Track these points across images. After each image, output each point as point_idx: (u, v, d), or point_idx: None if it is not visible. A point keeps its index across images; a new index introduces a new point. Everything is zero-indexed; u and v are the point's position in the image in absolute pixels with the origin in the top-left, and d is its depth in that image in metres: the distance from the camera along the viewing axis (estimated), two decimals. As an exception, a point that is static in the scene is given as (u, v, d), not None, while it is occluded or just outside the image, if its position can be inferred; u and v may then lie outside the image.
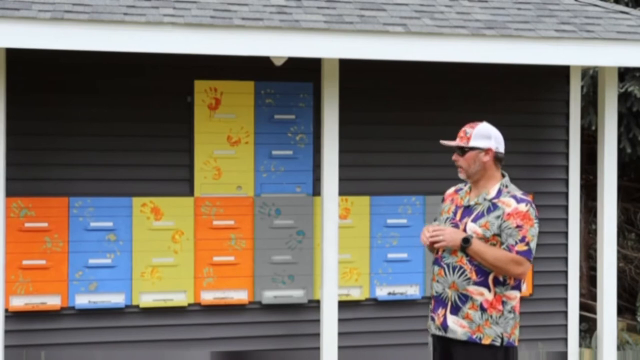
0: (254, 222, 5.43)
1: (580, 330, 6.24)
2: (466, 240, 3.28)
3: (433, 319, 3.45)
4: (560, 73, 5.83)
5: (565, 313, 5.86)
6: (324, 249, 5.03)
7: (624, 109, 7.07)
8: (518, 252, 3.26)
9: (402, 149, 5.63)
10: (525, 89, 5.84)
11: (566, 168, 5.87)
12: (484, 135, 3.37)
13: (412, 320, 5.62)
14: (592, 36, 5.03)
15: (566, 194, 5.87)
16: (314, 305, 5.44)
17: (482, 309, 3.31)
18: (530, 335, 5.80)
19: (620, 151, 6.98)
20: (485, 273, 3.30)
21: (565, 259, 5.88)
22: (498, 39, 4.89)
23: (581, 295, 6.69)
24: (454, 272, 3.34)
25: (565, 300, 5.86)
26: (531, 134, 5.87)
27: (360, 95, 5.57)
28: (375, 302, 5.61)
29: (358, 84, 5.52)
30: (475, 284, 3.31)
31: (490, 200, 3.36)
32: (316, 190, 5.48)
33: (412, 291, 5.64)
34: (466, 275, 3.32)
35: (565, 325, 5.85)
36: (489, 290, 3.31)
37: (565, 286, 5.87)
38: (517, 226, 3.27)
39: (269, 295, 5.44)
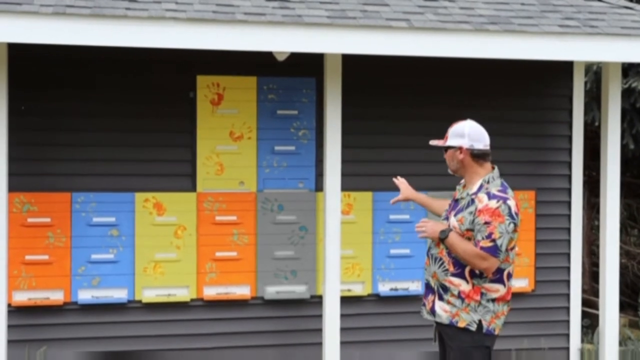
0: (257, 218, 5.43)
1: (583, 326, 6.24)
2: (442, 233, 3.49)
3: (424, 305, 3.66)
4: (564, 69, 5.82)
5: (568, 309, 5.86)
6: (326, 244, 5.03)
7: (628, 105, 7.05)
8: (482, 248, 3.40)
9: (405, 144, 5.63)
10: (528, 84, 5.83)
11: (569, 164, 5.86)
12: (458, 134, 3.57)
13: (414, 316, 5.62)
14: (596, 31, 5.01)
15: (569, 190, 5.86)
16: (317, 301, 5.45)
17: (460, 298, 3.50)
18: (533, 331, 5.80)
19: (624, 147, 6.96)
20: (462, 265, 3.48)
21: (568, 255, 5.87)
22: (501, 35, 4.88)
23: (583, 291, 6.69)
24: (435, 262, 3.56)
25: (568, 296, 5.86)
26: (534, 130, 5.86)
27: (363, 90, 5.56)
28: (377, 298, 5.61)
29: (361, 80, 5.51)
30: (453, 275, 3.50)
31: (470, 195, 3.54)
32: (319, 186, 5.48)
33: (415, 287, 5.63)
34: (445, 266, 3.52)
35: (568, 321, 5.85)
36: (467, 282, 3.48)
37: (568, 282, 5.86)
38: (485, 222, 3.41)
39: (272, 291, 5.44)
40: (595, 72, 7.16)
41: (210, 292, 5.37)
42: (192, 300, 5.37)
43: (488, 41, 4.87)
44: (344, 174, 5.14)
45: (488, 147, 3.60)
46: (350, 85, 5.31)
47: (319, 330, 5.29)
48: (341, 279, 5.23)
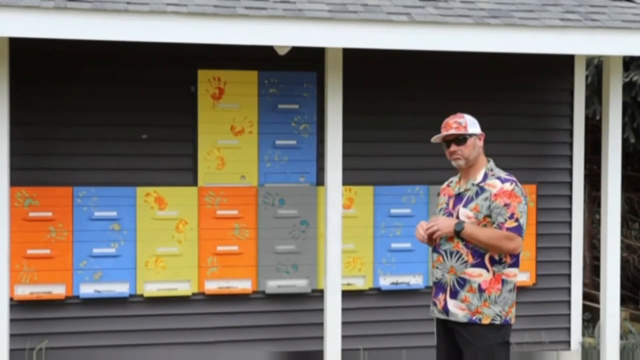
0: (258, 212, 5.43)
1: (583, 320, 6.24)
2: (459, 225, 3.45)
3: (435, 304, 3.60)
4: (565, 62, 5.81)
5: (569, 302, 5.87)
6: (327, 238, 5.04)
7: (629, 98, 7.04)
8: (508, 229, 3.42)
9: (406, 138, 5.63)
10: (529, 78, 5.82)
11: (570, 158, 5.86)
12: (474, 123, 3.59)
13: (415, 310, 5.63)
14: (597, 25, 5.00)
15: (570, 184, 5.86)
16: (318, 295, 5.45)
17: (480, 291, 3.46)
18: (534, 325, 5.81)
19: (625, 141, 6.95)
20: (481, 255, 3.46)
21: (569, 249, 5.88)
22: (502, 28, 4.87)
23: (584, 284, 6.69)
24: (451, 257, 3.51)
25: (569, 289, 5.87)
26: (535, 124, 5.85)
27: (364, 84, 5.56)
28: (378, 292, 5.62)
29: (362, 74, 5.51)
30: (473, 266, 3.47)
31: (477, 185, 3.54)
32: (320, 180, 5.48)
33: (416, 281, 5.64)
34: (463, 258, 3.48)
35: (569, 315, 5.86)
36: (487, 270, 3.46)
37: (569, 276, 5.87)
38: (505, 204, 3.43)
39: (273, 285, 5.45)
40: (596, 66, 7.15)
41: (212, 286, 5.38)
42: (193, 294, 5.38)
43: (489, 35, 4.87)
44: (345, 168, 5.14)
45: None
46: (351, 80, 5.31)
47: (320, 325, 5.30)
48: (342, 273, 5.24)
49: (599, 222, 6.39)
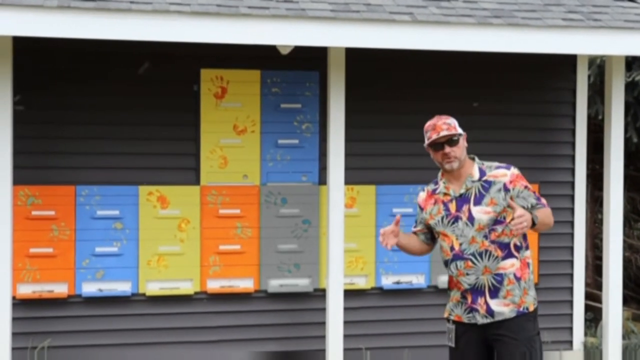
0: (260, 211, 5.44)
1: (586, 320, 6.24)
2: (535, 217, 3.36)
3: (476, 310, 3.43)
4: (567, 62, 5.81)
5: (571, 302, 5.87)
6: (329, 237, 5.04)
7: (631, 98, 7.04)
8: (545, 205, 3.46)
9: (408, 138, 5.62)
10: (532, 78, 5.82)
11: (572, 157, 5.86)
12: (456, 124, 3.49)
13: (417, 309, 5.64)
14: (600, 25, 5.00)
15: (572, 183, 5.86)
16: (320, 294, 5.46)
17: (517, 279, 3.42)
18: (536, 325, 5.80)
19: (627, 140, 6.95)
20: (506, 245, 3.42)
21: (571, 248, 5.88)
22: (505, 28, 4.87)
23: (587, 284, 6.69)
24: (482, 258, 3.41)
25: (571, 289, 5.87)
26: (538, 123, 5.85)
27: (367, 84, 5.56)
28: (380, 291, 5.62)
29: (364, 73, 5.51)
30: (503, 258, 3.42)
31: (479, 181, 3.45)
32: (322, 179, 5.48)
33: (418, 280, 5.64)
34: (493, 255, 3.41)
35: (571, 315, 5.86)
36: (516, 258, 3.44)
37: (571, 275, 5.87)
38: (525, 187, 3.44)
39: (275, 284, 5.46)
40: (598, 66, 7.15)
41: (214, 285, 5.39)
42: (195, 293, 5.38)
43: (491, 35, 4.87)
44: (347, 168, 5.14)
45: None
46: (354, 79, 5.31)
47: (322, 324, 5.31)
48: (344, 272, 5.24)
49: (601, 221, 6.40)
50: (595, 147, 7.41)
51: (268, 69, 5.44)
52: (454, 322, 3.52)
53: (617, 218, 5.40)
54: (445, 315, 3.58)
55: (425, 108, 5.63)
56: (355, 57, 5.19)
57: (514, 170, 3.46)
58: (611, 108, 5.41)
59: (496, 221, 3.40)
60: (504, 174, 3.43)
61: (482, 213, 3.39)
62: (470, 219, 3.40)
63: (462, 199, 3.45)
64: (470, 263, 3.41)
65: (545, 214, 3.42)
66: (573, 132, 5.86)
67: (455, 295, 3.51)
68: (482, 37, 4.85)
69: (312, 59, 5.33)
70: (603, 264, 5.49)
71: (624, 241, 7.40)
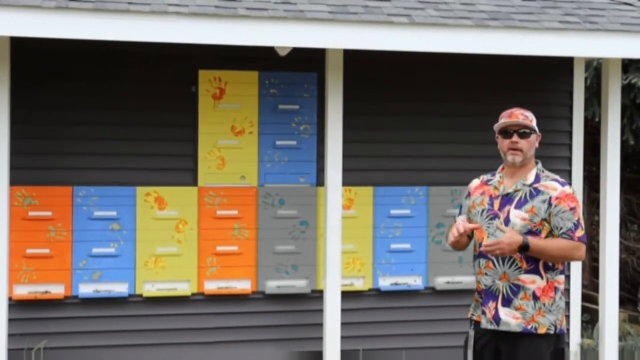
0: (258, 213, 5.44)
1: (583, 322, 6.25)
2: (524, 247, 3.22)
3: (485, 313, 3.38)
4: (564, 64, 5.82)
5: (568, 304, 5.87)
6: (327, 239, 5.04)
7: (628, 101, 7.06)
8: (579, 238, 3.27)
9: (406, 139, 5.64)
10: (529, 80, 5.84)
11: (569, 159, 5.87)
12: (535, 121, 3.42)
13: (415, 311, 5.64)
14: (596, 28, 5.02)
15: (569, 186, 5.86)
16: (317, 296, 5.46)
17: (535, 298, 3.29)
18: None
19: (624, 143, 6.97)
20: (535, 260, 3.28)
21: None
22: (502, 31, 4.89)
23: (583, 286, 6.70)
24: (504, 263, 3.30)
25: (568, 291, 5.87)
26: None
27: (365, 86, 5.56)
28: (378, 293, 5.63)
29: (362, 75, 5.51)
30: (527, 272, 3.28)
31: (530, 186, 3.34)
32: (320, 181, 5.49)
33: (415, 282, 5.65)
34: (517, 264, 3.29)
35: (568, 317, 5.86)
36: (542, 277, 3.29)
37: (568, 277, 5.87)
38: (571, 209, 3.27)
39: (273, 286, 5.46)
40: (595, 68, 7.17)
41: (212, 287, 5.38)
42: (193, 294, 5.38)
43: (489, 37, 4.88)
44: (345, 169, 5.15)
45: None
46: (352, 81, 5.32)
47: (319, 325, 5.31)
48: (342, 273, 5.24)
49: (598, 223, 6.40)
50: (592, 149, 7.43)
51: (266, 71, 5.45)
52: (476, 323, 3.44)
53: (614, 220, 5.41)
54: (469, 315, 3.50)
55: (422, 110, 5.67)
56: (354, 59, 5.19)
57: (567, 189, 3.30)
58: (608, 111, 5.43)
59: (530, 231, 3.28)
60: (555, 188, 3.31)
61: (519, 218, 3.29)
62: (507, 220, 3.31)
63: (507, 199, 3.36)
64: (491, 264, 3.34)
65: (557, 246, 3.24)
66: (570, 134, 5.87)
67: (476, 295, 3.46)
68: (479, 40, 4.86)
69: (310, 61, 5.33)
70: (600, 266, 5.50)
71: (621, 243, 7.41)
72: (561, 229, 3.27)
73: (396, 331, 5.62)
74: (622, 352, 5.68)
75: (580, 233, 3.28)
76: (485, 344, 3.41)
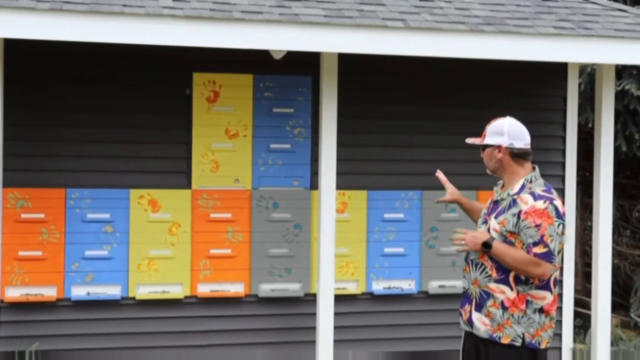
0: (251, 215, 5.43)
1: (575, 326, 6.27)
2: (487, 245, 3.27)
3: (461, 315, 3.46)
4: (558, 70, 5.85)
5: (560, 309, 5.88)
6: (320, 242, 5.04)
7: (621, 106, 7.09)
8: (536, 254, 3.21)
9: (400, 143, 5.64)
10: (522, 85, 5.85)
11: (563, 164, 5.89)
12: (496, 132, 3.39)
13: (408, 315, 5.64)
14: (590, 33, 5.04)
15: (562, 190, 5.88)
16: (311, 299, 5.46)
17: (504, 308, 3.29)
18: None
19: (617, 149, 6.99)
20: (506, 271, 3.28)
21: (561, 255, 5.89)
22: (497, 35, 4.90)
23: (576, 291, 6.72)
24: (476, 268, 3.35)
25: (560, 296, 5.89)
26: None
27: (359, 89, 5.57)
28: (371, 296, 5.63)
29: (357, 79, 5.52)
30: (496, 281, 3.30)
31: (512, 196, 3.34)
32: (314, 184, 5.49)
33: (409, 286, 5.65)
34: (487, 272, 3.31)
35: (560, 321, 5.88)
36: (511, 288, 3.28)
37: (560, 282, 5.89)
38: (536, 225, 3.21)
39: (266, 289, 5.45)
40: (589, 74, 7.19)
41: (204, 290, 5.37)
42: (186, 297, 5.37)
43: (483, 42, 4.89)
44: (339, 173, 5.15)
45: (529, 146, 3.41)
46: (346, 84, 5.32)
47: (312, 329, 5.30)
48: (335, 277, 5.24)
49: (590, 228, 6.42)
50: (585, 154, 7.45)
51: (261, 74, 5.45)
52: (462, 329, 3.52)
53: (607, 225, 5.43)
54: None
55: (416, 113, 5.68)
56: (348, 63, 5.20)
57: (539, 204, 3.21)
58: (601, 116, 5.45)
59: (505, 241, 3.29)
60: (527, 201, 3.25)
61: (492, 228, 3.33)
62: (489, 227, 3.35)
63: (495, 205, 3.41)
64: (467, 268, 3.41)
65: (513, 255, 3.22)
66: (563, 139, 5.89)
67: None
68: (474, 44, 4.87)
69: (305, 64, 5.34)
70: (592, 271, 5.52)
71: (613, 248, 7.43)
72: (524, 243, 3.25)
73: (389, 335, 5.62)
74: (614, 357, 5.70)
75: (539, 250, 3.20)
76: (470, 345, 3.47)
